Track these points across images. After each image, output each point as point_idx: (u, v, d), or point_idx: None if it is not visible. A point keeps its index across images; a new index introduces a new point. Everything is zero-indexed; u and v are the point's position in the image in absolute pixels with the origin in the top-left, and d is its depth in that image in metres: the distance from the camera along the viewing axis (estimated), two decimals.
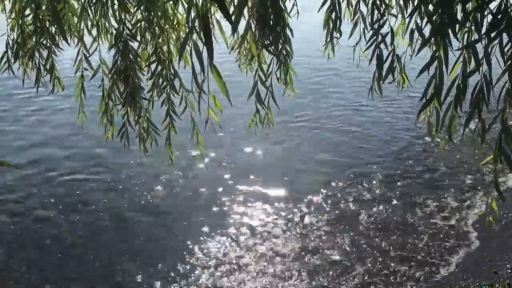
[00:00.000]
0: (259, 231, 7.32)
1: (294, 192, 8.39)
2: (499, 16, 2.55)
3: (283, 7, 3.64)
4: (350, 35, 3.70)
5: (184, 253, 6.80)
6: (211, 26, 3.37)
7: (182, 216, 7.78)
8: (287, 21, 3.87)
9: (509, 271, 5.55)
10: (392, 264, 6.39)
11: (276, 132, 9.40)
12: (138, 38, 3.90)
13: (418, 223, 7.37)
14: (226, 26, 2.86)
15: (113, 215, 7.80)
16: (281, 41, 3.84)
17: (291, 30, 3.85)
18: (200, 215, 7.72)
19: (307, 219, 7.57)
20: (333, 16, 3.63)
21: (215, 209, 7.96)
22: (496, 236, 6.75)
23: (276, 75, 4.01)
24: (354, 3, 3.88)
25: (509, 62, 2.58)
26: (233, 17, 2.18)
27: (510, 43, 2.56)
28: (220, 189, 8.57)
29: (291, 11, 3.90)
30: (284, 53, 3.98)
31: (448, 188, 8.39)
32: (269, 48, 3.86)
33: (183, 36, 3.80)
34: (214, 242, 7.07)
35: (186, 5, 3.43)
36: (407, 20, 3.33)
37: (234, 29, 2.31)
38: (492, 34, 2.54)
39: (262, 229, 7.37)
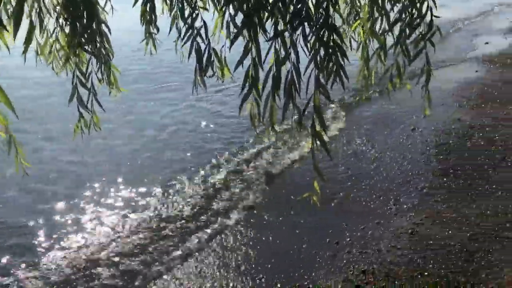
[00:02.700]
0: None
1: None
2: (298, 6, 2.65)
3: (96, 2, 3.41)
4: (170, 30, 3.61)
5: None
6: None
7: None
8: (103, 17, 3.65)
9: (348, 239, 6.00)
10: None
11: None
12: None
13: None
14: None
15: None
16: (98, 39, 3.60)
17: (108, 27, 3.63)
18: None
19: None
20: (147, 8, 3.49)
21: None
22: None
23: (97, 75, 3.76)
24: None
25: (313, 50, 2.69)
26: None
27: (311, 33, 2.68)
28: None
29: (105, 6, 3.68)
30: (104, 52, 3.75)
31: None
32: (85, 47, 3.59)
33: None
34: None
35: None
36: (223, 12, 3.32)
37: (16, 29, 2.04)
38: (294, 24, 2.64)
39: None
